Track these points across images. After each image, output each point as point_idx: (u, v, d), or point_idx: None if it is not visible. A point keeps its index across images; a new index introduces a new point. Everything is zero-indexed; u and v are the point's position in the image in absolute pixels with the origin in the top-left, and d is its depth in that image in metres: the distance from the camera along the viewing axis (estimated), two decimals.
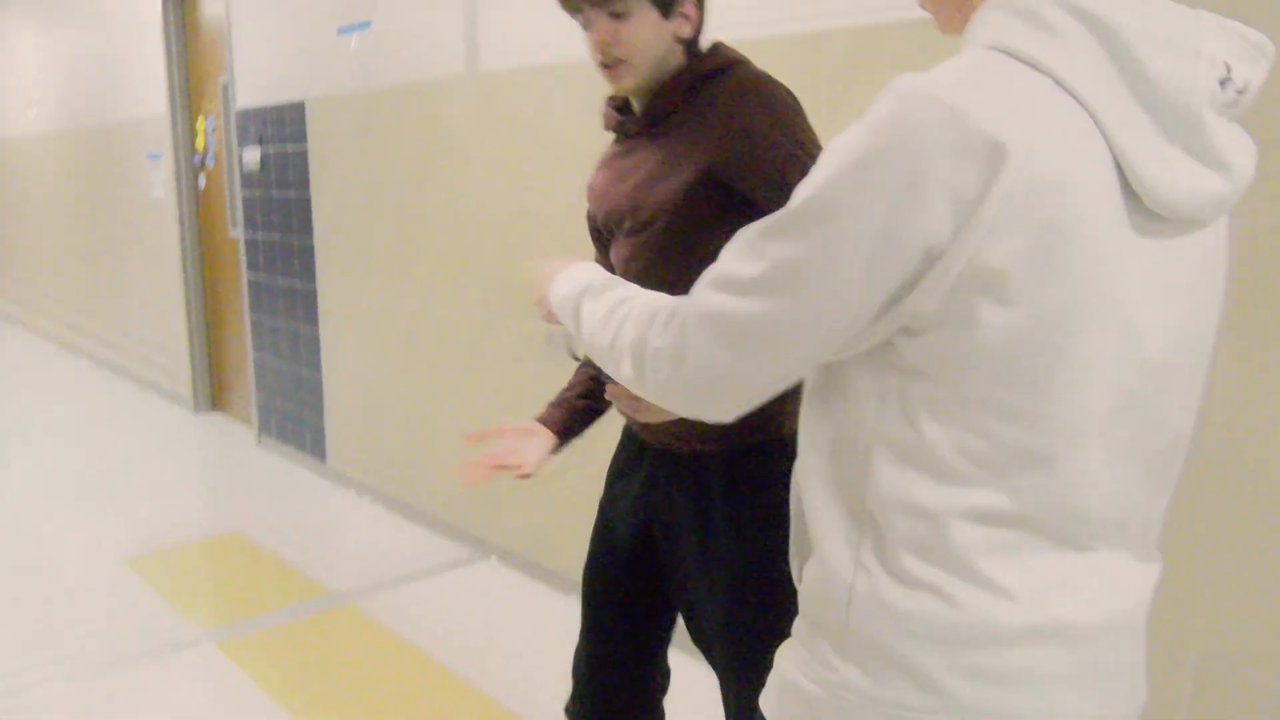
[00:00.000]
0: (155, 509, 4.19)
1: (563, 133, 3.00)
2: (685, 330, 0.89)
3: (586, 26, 1.45)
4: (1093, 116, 0.78)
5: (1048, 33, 0.79)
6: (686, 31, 1.47)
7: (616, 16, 1.41)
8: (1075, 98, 0.78)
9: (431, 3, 3.48)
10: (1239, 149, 0.83)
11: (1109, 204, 0.79)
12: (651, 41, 1.43)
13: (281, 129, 4.49)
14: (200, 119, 5.52)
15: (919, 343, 0.82)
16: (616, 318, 1.00)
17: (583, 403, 1.71)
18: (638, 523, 1.64)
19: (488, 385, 3.45)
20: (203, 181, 5.59)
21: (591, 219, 1.65)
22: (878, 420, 0.86)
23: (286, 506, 4.26)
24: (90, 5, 6.70)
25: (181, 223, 5.69)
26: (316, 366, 4.50)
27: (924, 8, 0.96)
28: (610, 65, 1.45)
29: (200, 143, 5.54)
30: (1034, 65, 0.79)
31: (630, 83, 1.46)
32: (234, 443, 5.27)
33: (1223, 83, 0.80)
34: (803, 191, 0.83)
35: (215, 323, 5.78)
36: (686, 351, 0.88)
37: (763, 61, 1.48)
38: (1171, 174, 0.79)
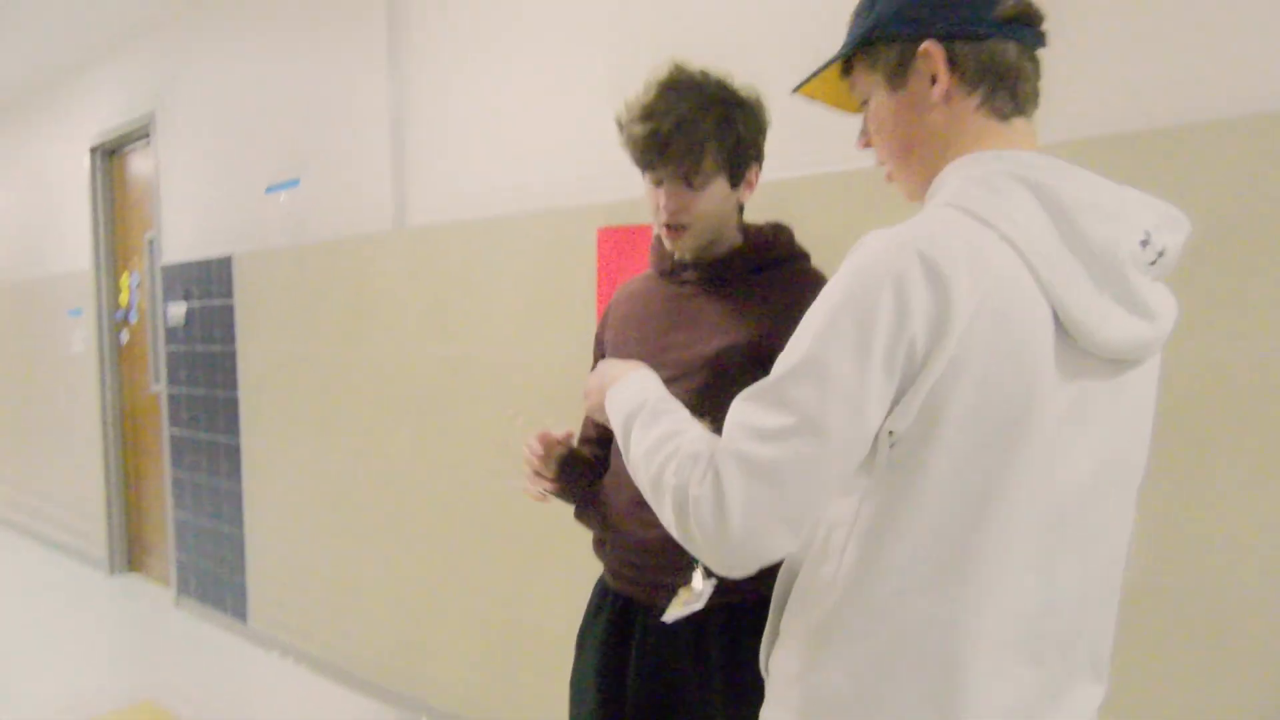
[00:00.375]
0: (64, 679, 3.96)
1: (491, 285, 3.06)
2: (721, 480, 0.93)
3: (657, 184, 1.50)
4: (1032, 268, 0.91)
5: (998, 196, 0.94)
6: (746, 197, 1.55)
7: (691, 186, 1.47)
8: (1016, 250, 0.92)
9: (360, 161, 3.56)
10: (1161, 301, 0.98)
11: (1045, 341, 0.92)
12: (719, 209, 1.51)
13: (208, 284, 4.49)
14: (125, 275, 5.49)
15: (888, 457, 0.94)
16: (662, 455, 1.03)
17: (589, 450, 1.71)
18: (627, 693, 1.54)
19: (415, 541, 3.39)
20: (125, 337, 5.52)
21: (605, 344, 1.68)
22: (851, 525, 0.98)
23: (205, 670, 4.06)
24: (18, 162, 6.71)
25: (102, 378, 5.58)
26: (239, 523, 4.38)
27: (891, 179, 1.11)
28: (675, 228, 1.51)
29: (124, 298, 5.50)
30: (984, 222, 0.92)
31: (691, 244, 1.53)
32: (151, 605, 5.04)
33: (1143, 244, 0.95)
34: (804, 340, 0.94)
35: (134, 480, 5.61)
36: (727, 499, 0.92)
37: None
38: (1102, 319, 0.93)
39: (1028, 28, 1.01)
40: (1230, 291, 1.64)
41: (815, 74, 1.13)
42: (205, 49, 4.49)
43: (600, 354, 1.71)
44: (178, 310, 4.70)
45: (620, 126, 1.52)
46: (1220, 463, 1.68)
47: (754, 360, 1.48)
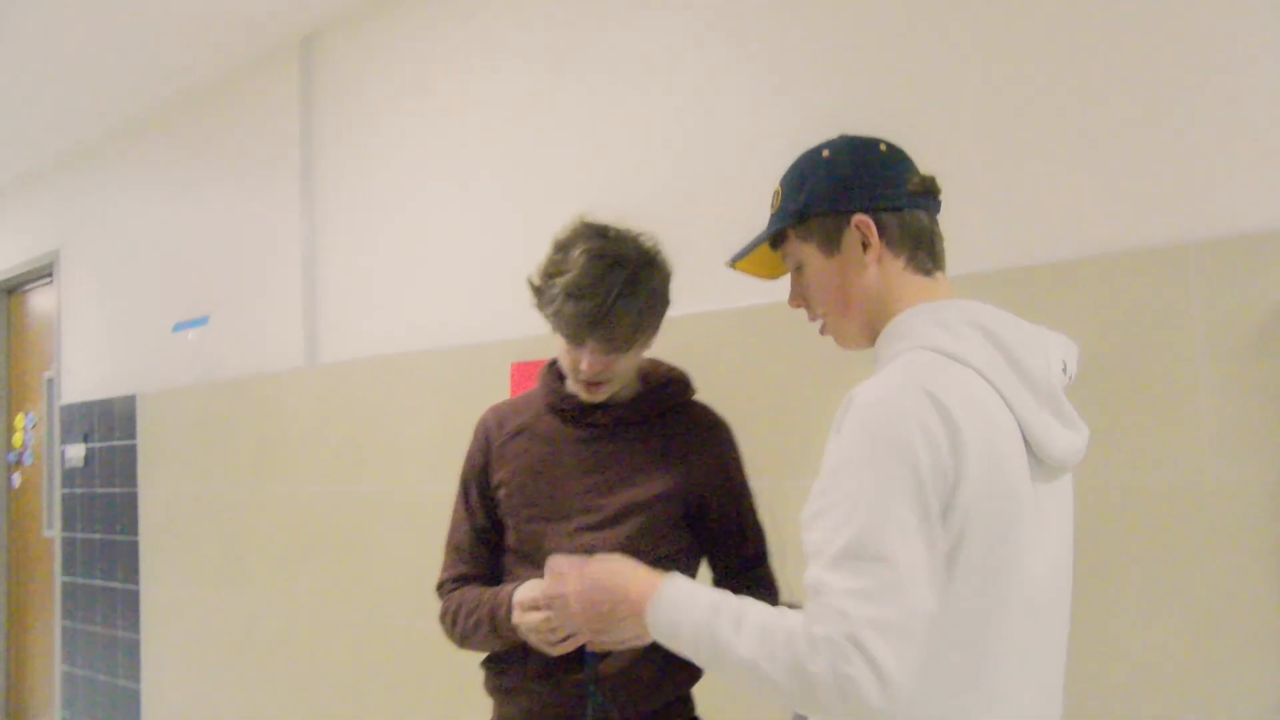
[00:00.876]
0: None
1: (404, 422, 3.04)
2: (869, 650, 0.96)
3: (578, 346, 1.53)
4: (1002, 396, 1.09)
5: (961, 339, 1.12)
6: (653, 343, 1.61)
7: (619, 352, 1.52)
8: (988, 381, 1.09)
9: (270, 299, 3.56)
10: (1078, 415, 1.18)
11: (1021, 454, 1.10)
12: (637, 363, 1.59)
13: (110, 423, 4.36)
14: (20, 415, 5.30)
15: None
16: (776, 650, 1.02)
17: None
18: None
19: (324, 691, 3.26)
20: (17, 480, 5.29)
21: (488, 488, 1.65)
22: None
23: None
24: None
25: None
26: (135, 676, 4.15)
27: (826, 331, 1.26)
28: (594, 383, 1.55)
29: (18, 439, 5.29)
30: (958, 360, 1.10)
31: (605, 396, 1.58)
32: None
33: (1064, 369, 1.18)
34: (856, 494, 1.02)
35: (18, 630, 5.29)
36: (884, 668, 0.96)
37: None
38: (1051, 433, 1.12)
39: (932, 198, 1.22)
40: (1106, 422, 1.74)
41: (751, 248, 1.30)
42: (114, 188, 4.48)
43: (484, 485, 1.68)
44: (76, 451, 4.54)
45: (538, 293, 1.55)
46: (1111, 585, 1.74)
47: (685, 506, 1.57)
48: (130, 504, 4.21)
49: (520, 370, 2.71)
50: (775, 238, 1.28)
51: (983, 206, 1.91)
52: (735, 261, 1.33)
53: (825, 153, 1.25)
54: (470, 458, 1.72)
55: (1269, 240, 1.63)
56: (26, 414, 5.23)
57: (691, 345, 1.90)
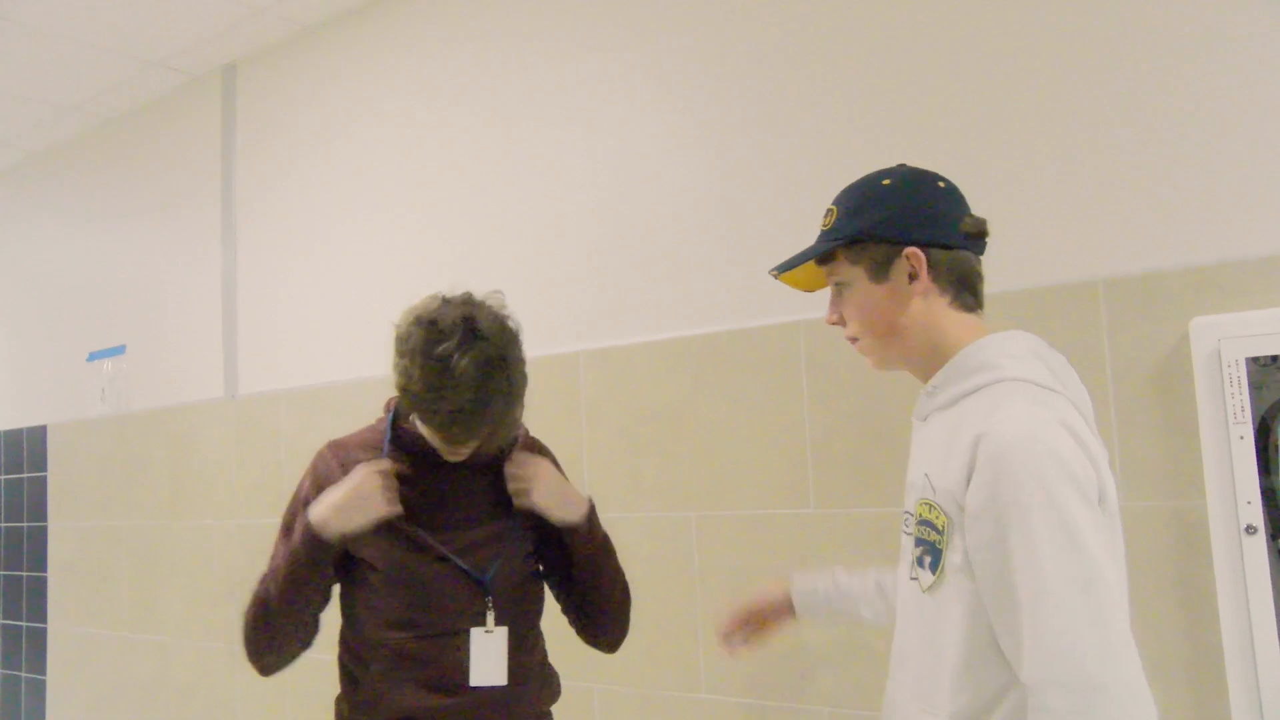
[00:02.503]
0: None
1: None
2: (1121, 669, 1.07)
3: (452, 448, 1.52)
4: (1084, 418, 1.18)
5: (1041, 369, 1.19)
6: None
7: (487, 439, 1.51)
8: (1074, 405, 1.18)
9: (189, 329, 3.47)
10: None
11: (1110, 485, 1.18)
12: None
13: (18, 455, 4.20)
14: None
15: None
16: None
17: None
18: None
19: None
20: None
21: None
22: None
23: None
24: None
25: None
26: (41, 719, 3.98)
27: (861, 349, 1.32)
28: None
29: None
30: (1051, 389, 1.17)
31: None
32: None
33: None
34: (1053, 530, 1.09)
35: None
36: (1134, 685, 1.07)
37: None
38: (1104, 456, 1.19)
39: (981, 240, 1.27)
40: None
41: (799, 261, 1.32)
42: (25, 216, 4.35)
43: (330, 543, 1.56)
44: None
45: (414, 399, 1.47)
46: None
47: (531, 529, 1.64)
48: (39, 538, 4.05)
49: None
50: (825, 254, 1.30)
51: None
52: (781, 272, 1.36)
53: (886, 181, 1.29)
54: (305, 493, 1.65)
55: (1172, 278, 1.69)
56: None
57: (614, 377, 1.90)
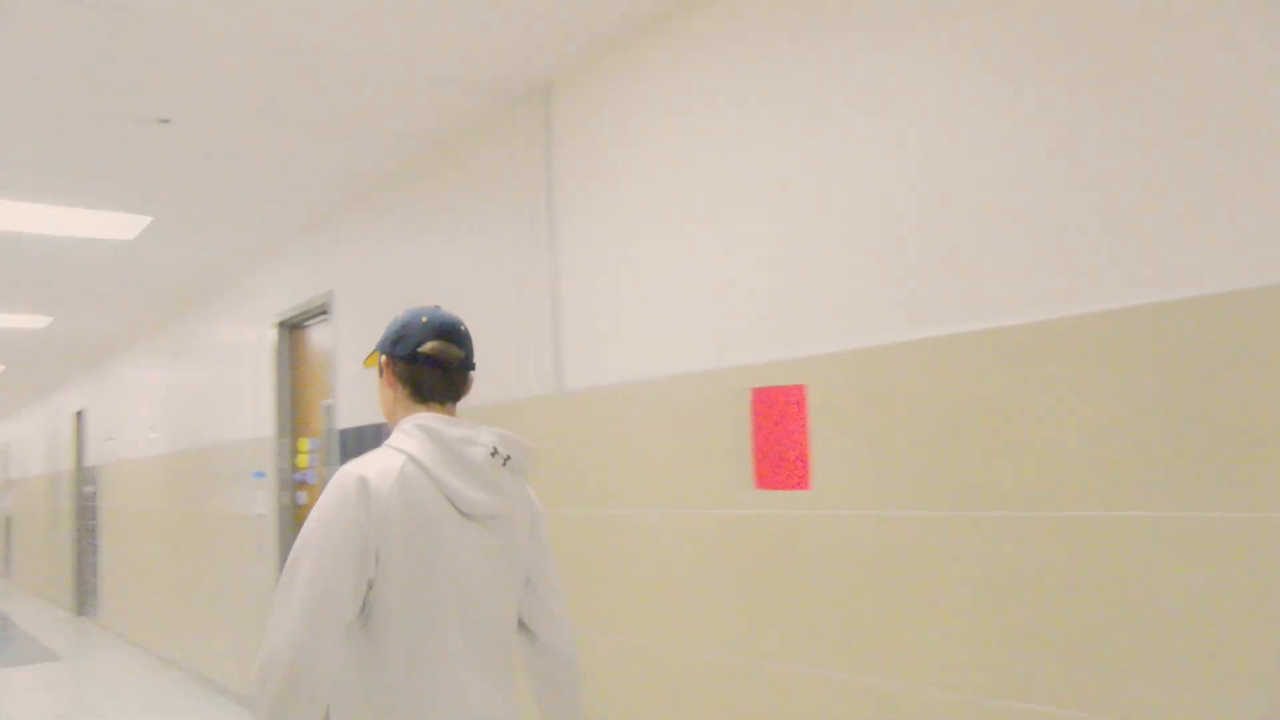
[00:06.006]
0: None
1: (642, 446, 3.12)
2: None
3: None
4: (427, 472, 1.75)
5: (408, 437, 1.80)
6: None
7: None
8: (417, 463, 1.75)
9: (518, 331, 3.76)
10: (511, 483, 1.86)
11: (441, 505, 1.76)
12: None
13: (362, 451, 4.72)
14: (304, 439, 5.85)
15: (368, 603, 1.74)
16: None
17: None
18: None
19: None
20: (303, 498, 5.84)
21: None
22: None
23: None
24: (212, 338, 7.34)
25: (280, 536, 5.89)
26: None
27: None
28: None
29: (303, 461, 5.84)
30: (398, 450, 1.77)
31: None
32: None
33: (493, 453, 1.82)
34: (305, 527, 1.72)
35: None
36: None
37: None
38: (471, 495, 1.78)
39: (433, 363, 1.88)
40: None
41: (369, 356, 2.02)
42: (377, 235, 4.89)
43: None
44: None
45: None
46: None
47: None
48: None
49: (762, 397, 2.72)
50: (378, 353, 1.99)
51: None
52: (365, 360, 2.06)
53: (399, 314, 1.96)
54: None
55: None
56: (310, 438, 5.77)
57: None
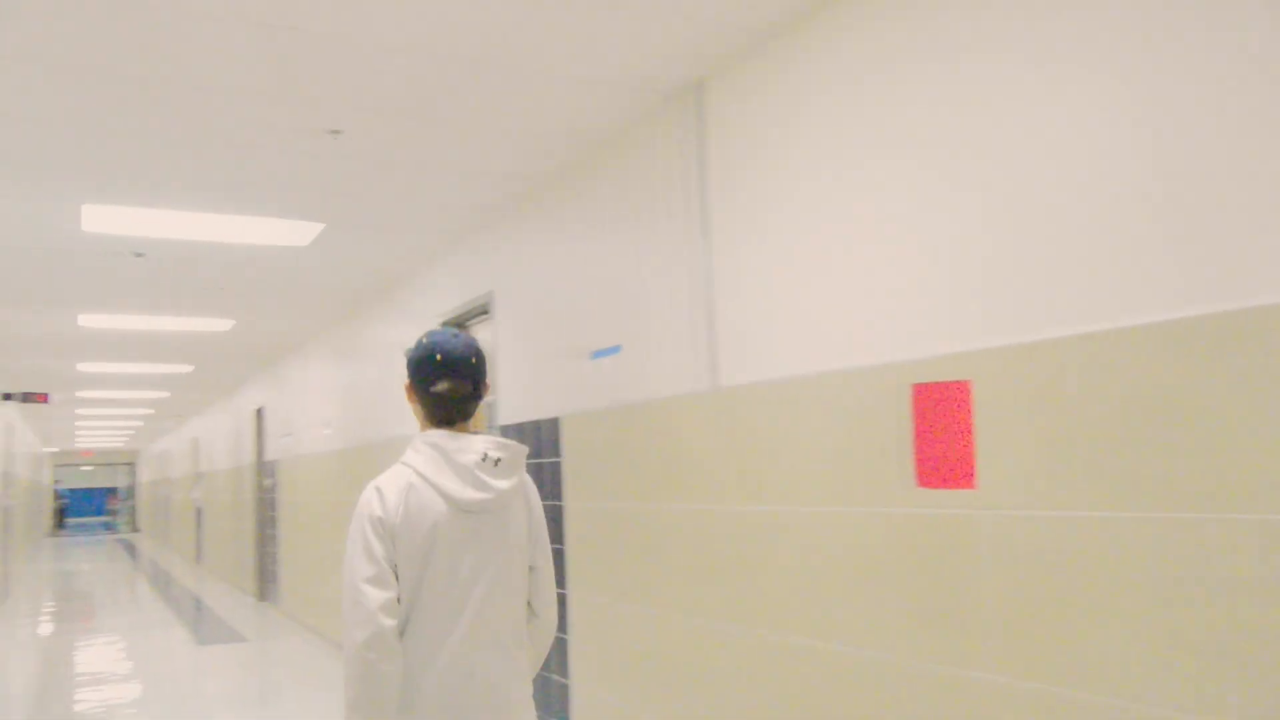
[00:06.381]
0: None
1: (798, 443, 3.10)
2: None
3: None
4: (426, 479, 2.26)
5: (416, 453, 2.31)
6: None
7: None
8: (419, 473, 2.27)
9: (672, 328, 3.78)
10: (500, 481, 2.28)
11: (439, 505, 2.24)
12: None
13: (539, 443, 4.86)
14: None
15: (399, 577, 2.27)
16: None
17: None
18: None
19: (722, 706, 3.38)
20: None
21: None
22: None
23: None
24: (377, 338, 7.68)
25: None
26: (565, 671, 4.57)
27: None
28: None
29: None
30: (406, 464, 2.31)
31: None
32: None
33: (483, 458, 2.27)
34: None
35: None
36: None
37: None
38: (462, 493, 2.24)
39: (446, 397, 2.33)
40: None
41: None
42: (534, 235, 5.01)
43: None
44: None
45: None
46: None
47: None
48: (557, 516, 4.65)
49: (923, 393, 2.66)
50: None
51: None
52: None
53: (421, 339, 2.43)
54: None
55: None
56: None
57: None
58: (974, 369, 2.52)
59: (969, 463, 2.51)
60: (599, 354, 4.33)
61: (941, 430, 2.60)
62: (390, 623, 2.13)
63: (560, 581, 4.60)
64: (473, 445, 2.27)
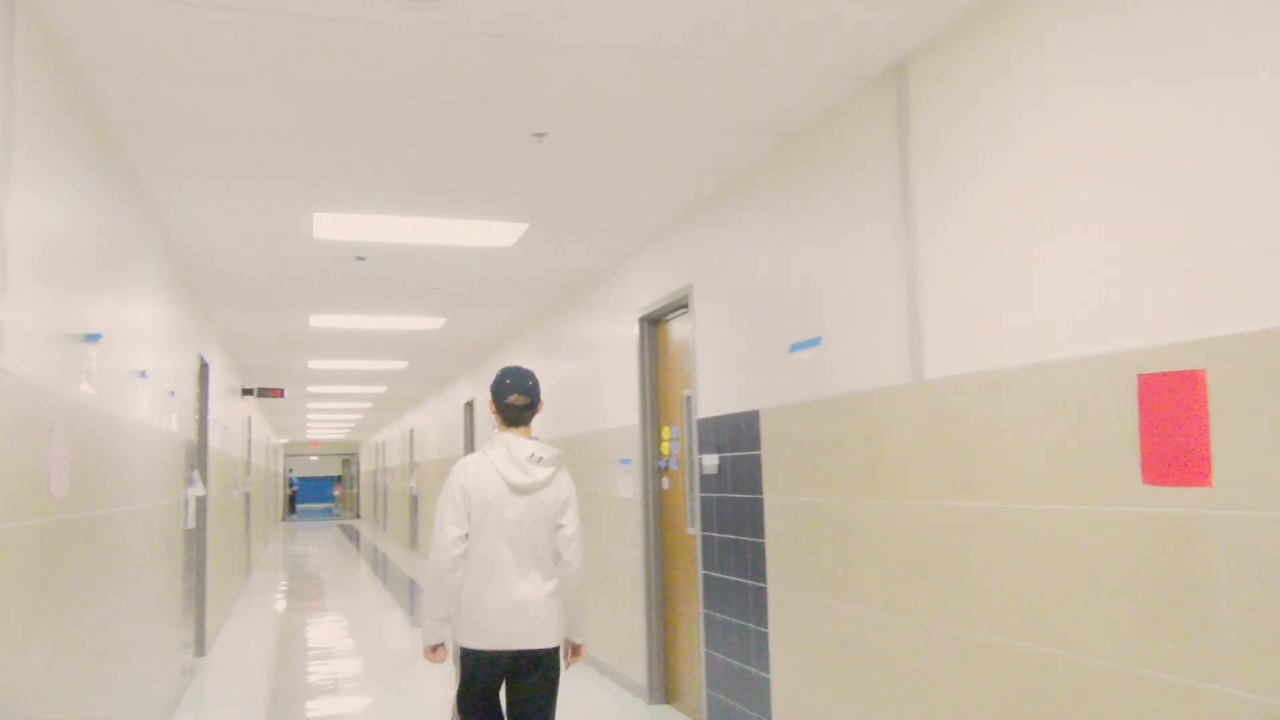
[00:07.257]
0: None
1: (1011, 438, 2.97)
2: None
3: None
4: (495, 464, 3.59)
5: (490, 445, 3.66)
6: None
7: None
8: (490, 459, 3.61)
9: (873, 319, 3.71)
10: (541, 471, 3.61)
11: (499, 484, 3.58)
12: None
13: (737, 436, 4.87)
14: (666, 428, 6.15)
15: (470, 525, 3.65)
16: None
17: None
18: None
19: (926, 706, 3.29)
20: (666, 484, 6.14)
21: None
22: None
23: None
24: (581, 333, 7.90)
25: (646, 520, 6.23)
26: (765, 665, 4.57)
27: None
28: None
29: (665, 449, 6.14)
30: (483, 453, 3.66)
31: None
32: None
33: (530, 456, 3.60)
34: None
35: (671, 615, 6.12)
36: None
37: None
38: (515, 478, 3.57)
39: (515, 406, 3.70)
40: None
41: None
42: (732, 229, 5.02)
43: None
44: (711, 461, 5.14)
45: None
46: None
47: None
48: (756, 509, 4.65)
49: (1150, 384, 2.50)
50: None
51: None
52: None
53: (498, 372, 3.78)
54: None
55: None
56: (671, 427, 6.05)
57: None
58: (1209, 357, 2.34)
59: (1204, 459, 2.34)
60: (797, 347, 4.30)
61: (1171, 424, 2.43)
62: (458, 550, 3.49)
63: (759, 574, 4.61)
64: (526, 447, 3.59)
